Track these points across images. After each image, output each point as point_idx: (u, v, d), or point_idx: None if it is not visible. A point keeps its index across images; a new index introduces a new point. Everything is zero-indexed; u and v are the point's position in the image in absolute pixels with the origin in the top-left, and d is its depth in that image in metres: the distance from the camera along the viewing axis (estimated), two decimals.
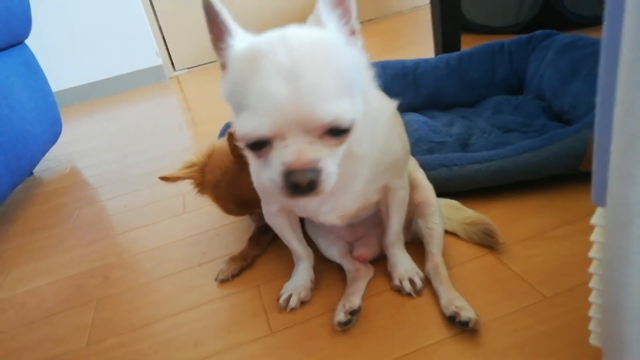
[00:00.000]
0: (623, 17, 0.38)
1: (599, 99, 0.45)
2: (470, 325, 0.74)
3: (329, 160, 0.58)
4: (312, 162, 0.56)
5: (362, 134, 0.65)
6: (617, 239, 0.45)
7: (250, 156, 0.62)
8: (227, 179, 0.99)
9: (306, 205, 0.78)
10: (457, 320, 0.76)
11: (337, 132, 0.56)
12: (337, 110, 0.54)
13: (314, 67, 0.54)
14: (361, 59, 0.63)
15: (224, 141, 1.00)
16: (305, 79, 0.53)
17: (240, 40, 0.61)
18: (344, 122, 0.55)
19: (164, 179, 1.02)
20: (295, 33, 0.58)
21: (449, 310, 0.78)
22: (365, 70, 0.65)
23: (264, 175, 0.59)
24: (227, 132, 0.91)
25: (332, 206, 0.78)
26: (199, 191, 1.07)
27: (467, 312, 0.76)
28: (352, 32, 0.62)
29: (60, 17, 3.20)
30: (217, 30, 0.61)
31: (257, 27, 0.64)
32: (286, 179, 0.56)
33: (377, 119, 0.72)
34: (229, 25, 0.61)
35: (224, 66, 0.63)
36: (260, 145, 0.57)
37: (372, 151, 0.73)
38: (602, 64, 0.43)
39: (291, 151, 0.55)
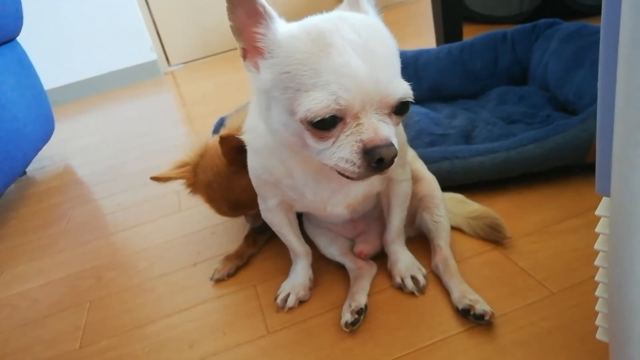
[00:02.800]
0: (621, 5, 0.38)
1: (600, 88, 0.45)
2: (486, 318, 0.72)
3: (394, 138, 0.58)
4: (388, 137, 0.57)
5: None
6: (622, 228, 0.45)
7: (309, 138, 0.59)
8: (219, 180, 0.96)
9: (316, 196, 0.75)
10: (471, 313, 0.74)
11: (402, 109, 0.59)
12: (406, 86, 0.58)
13: (382, 46, 0.57)
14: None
15: (216, 140, 0.97)
16: (377, 56, 0.55)
17: (282, 24, 0.59)
18: (411, 97, 0.58)
19: (156, 179, 1.00)
20: (351, 16, 0.59)
21: (463, 303, 0.75)
22: None
23: (332, 156, 0.58)
24: (219, 135, 0.88)
25: (345, 195, 0.76)
26: (191, 191, 1.04)
27: (481, 305, 0.74)
28: None
29: (52, 13, 3.16)
30: (249, 15, 0.59)
31: None
32: (369, 155, 0.56)
33: None
34: (269, 9, 0.59)
35: (258, 52, 0.60)
36: (331, 125, 0.56)
37: None
38: (602, 53, 0.44)
39: (367, 128, 0.56)
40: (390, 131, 0.57)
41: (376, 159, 0.56)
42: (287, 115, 0.58)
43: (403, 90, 0.57)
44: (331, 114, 0.55)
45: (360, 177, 0.58)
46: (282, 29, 0.59)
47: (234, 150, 0.87)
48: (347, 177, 0.60)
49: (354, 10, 0.62)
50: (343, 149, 0.57)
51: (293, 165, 0.71)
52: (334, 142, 0.57)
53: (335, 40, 0.54)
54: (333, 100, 0.53)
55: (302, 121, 0.56)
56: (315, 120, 0.55)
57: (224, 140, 0.87)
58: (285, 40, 0.58)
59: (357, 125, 0.56)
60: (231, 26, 0.59)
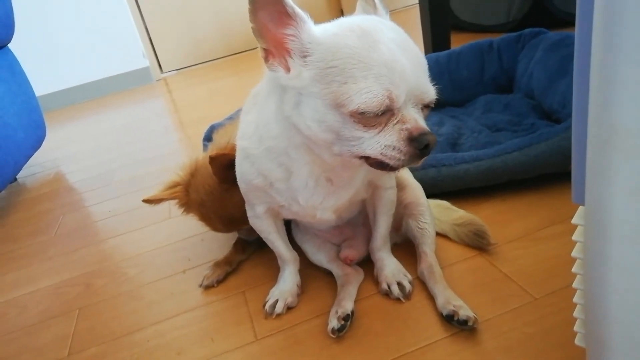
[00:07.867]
0: (593, 20, 0.39)
1: (574, 100, 0.46)
2: (469, 323, 0.73)
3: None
4: (427, 127, 0.61)
5: None
6: (596, 237, 0.45)
7: (353, 126, 0.61)
8: (211, 198, 0.96)
9: (308, 201, 0.76)
10: (455, 319, 0.75)
11: (427, 106, 0.63)
12: (434, 89, 0.62)
13: (416, 49, 0.62)
14: None
15: (206, 158, 0.97)
16: (416, 57, 0.61)
17: (312, 25, 0.61)
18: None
19: (148, 201, 1.00)
20: (382, 19, 0.65)
21: (447, 309, 0.76)
22: None
23: (377, 144, 0.61)
24: (209, 155, 0.89)
25: (336, 199, 0.77)
26: (184, 210, 1.05)
27: (465, 311, 0.75)
28: None
29: (43, 20, 3.15)
30: (273, 17, 0.60)
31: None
32: (416, 141, 0.60)
33: None
34: (298, 11, 0.60)
35: (286, 53, 0.61)
36: (380, 114, 0.59)
37: None
38: (576, 66, 0.45)
39: (409, 119, 0.60)
40: (425, 123, 0.62)
41: (423, 145, 0.59)
42: (326, 109, 0.60)
43: (434, 92, 0.62)
44: (384, 109, 0.58)
45: (402, 165, 0.62)
46: (316, 28, 0.61)
47: (224, 168, 0.88)
48: (384, 169, 0.63)
49: (371, 14, 0.67)
50: (390, 137, 0.60)
51: (299, 166, 0.71)
52: (379, 131, 0.60)
53: (381, 37, 0.58)
54: (387, 96, 0.57)
55: (353, 113, 0.58)
56: (369, 113, 0.58)
57: (214, 160, 0.87)
58: (326, 38, 0.60)
59: (401, 115, 0.60)
60: (252, 27, 0.60)
